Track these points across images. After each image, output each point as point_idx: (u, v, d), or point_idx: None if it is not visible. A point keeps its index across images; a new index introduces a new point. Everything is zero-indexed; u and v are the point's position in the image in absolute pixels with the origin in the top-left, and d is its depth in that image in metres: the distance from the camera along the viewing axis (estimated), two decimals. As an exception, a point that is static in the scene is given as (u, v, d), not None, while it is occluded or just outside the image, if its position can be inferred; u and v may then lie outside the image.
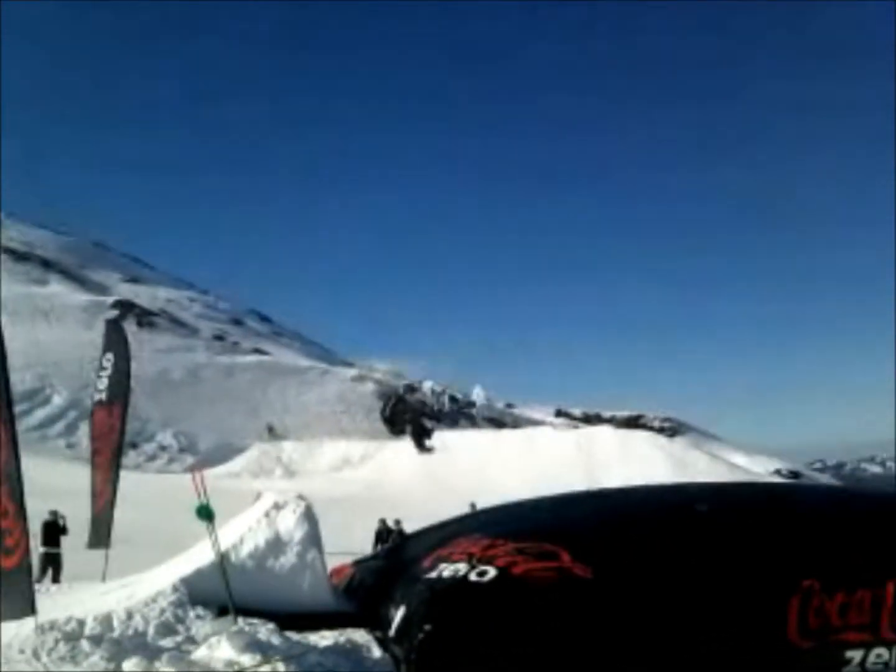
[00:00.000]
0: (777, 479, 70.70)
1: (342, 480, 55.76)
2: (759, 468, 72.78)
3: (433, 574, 8.54)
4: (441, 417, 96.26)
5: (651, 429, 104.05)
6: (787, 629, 7.64)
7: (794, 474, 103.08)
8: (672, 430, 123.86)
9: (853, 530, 8.90)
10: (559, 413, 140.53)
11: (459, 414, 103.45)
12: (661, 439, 69.86)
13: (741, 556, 8.33)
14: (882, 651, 7.89)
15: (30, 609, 7.46)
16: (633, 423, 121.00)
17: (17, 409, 7.43)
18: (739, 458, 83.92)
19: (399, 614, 8.22)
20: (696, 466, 53.87)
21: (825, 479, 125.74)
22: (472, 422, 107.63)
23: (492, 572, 8.05)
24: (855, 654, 7.81)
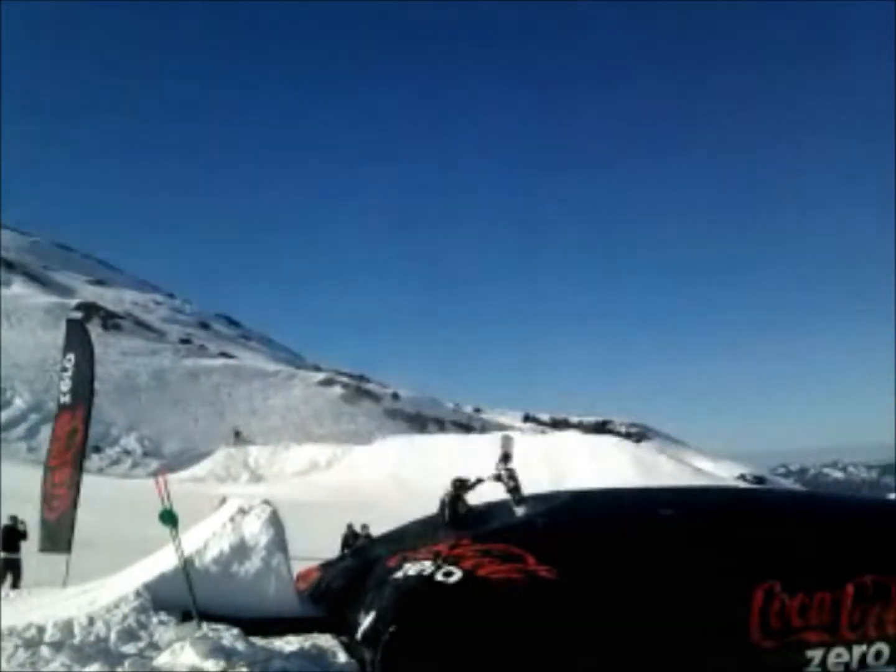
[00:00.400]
0: (741, 485, 71.49)
1: (309, 485, 55.36)
2: (724, 473, 73.57)
3: (399, 574, 8.53)
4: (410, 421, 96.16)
5: (618, 434, 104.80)
6: (749, 630, 7.75)
7: (759, 479, 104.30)
8: (639, 435, 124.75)
9: (814, 533, 9.05)
10: (527, 418, 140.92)
11: (427, 419, 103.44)
12: (628, 444, 70.26)
13: (705, 558, 8.42)
14: (842, 651, 8.03)
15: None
16: (600, 428, 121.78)
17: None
18: (705, 464, 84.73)
19: (366, 617, 8.19)
20: (662, 471, 54.24)
21: (788, 483, 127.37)
22: (441, 426, 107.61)
23: (457, 574, 8.06)
24: (815, 654, 7.95)
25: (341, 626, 8.42)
